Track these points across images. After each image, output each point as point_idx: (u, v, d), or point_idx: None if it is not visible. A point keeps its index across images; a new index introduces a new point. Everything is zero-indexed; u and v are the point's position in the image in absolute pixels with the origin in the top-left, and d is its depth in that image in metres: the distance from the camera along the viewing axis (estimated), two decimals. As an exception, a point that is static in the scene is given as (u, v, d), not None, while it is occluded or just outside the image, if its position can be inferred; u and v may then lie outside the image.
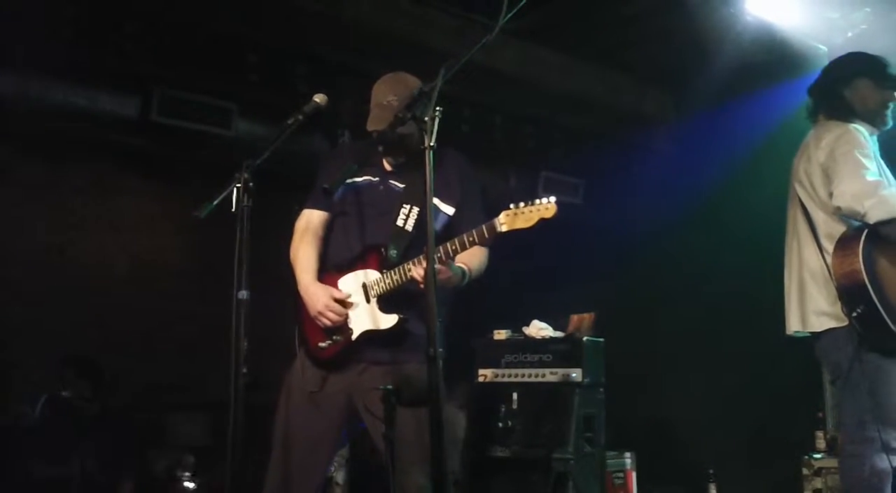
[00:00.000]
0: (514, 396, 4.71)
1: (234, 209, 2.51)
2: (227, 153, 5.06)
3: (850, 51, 3.66)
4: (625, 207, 6.70)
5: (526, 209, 2.57)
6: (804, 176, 3.31)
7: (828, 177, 3.18)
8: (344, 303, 2.89)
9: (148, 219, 6.02)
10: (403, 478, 2.75)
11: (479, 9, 4.94)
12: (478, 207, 2.99)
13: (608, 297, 5.90)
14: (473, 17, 5.08)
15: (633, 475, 5.15)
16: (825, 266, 3.19)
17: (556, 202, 2.55)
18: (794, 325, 3.35)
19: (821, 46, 5.12)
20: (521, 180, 6.43)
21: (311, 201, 3.10)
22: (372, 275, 2.88)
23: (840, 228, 3.18)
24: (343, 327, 2.90)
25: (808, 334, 3.32)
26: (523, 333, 4.96)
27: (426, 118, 2.29)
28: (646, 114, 6.47)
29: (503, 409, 4.68)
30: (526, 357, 4.78)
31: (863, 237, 3.07)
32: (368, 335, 2.87)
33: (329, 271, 3.00)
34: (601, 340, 4.85)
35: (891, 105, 3.35)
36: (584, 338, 4.77)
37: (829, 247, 3.18)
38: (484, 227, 2.65)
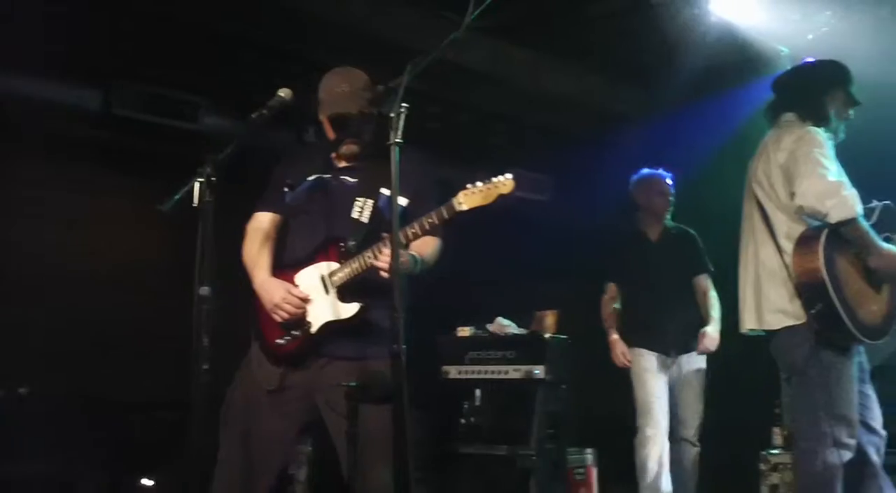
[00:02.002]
0: (478, 392, 4.72)
1: (195, 204, 2.49)
2: (194, 147, 5.00)
3: (829, 59, 3.59)
4: (593, 204, 6.73)
5: (484, 187, 2.63)
6: (763, 177, 3.34)
7: (788, 178, 3.22)
8: (301, 296, 2.87)
9: (114, 215, 5.91)
10: (367, 475, 2.74)
11: (450, 6, 4.92)
12: (433, 198, 2.96)
13: (573, 294, 5.93)
14: (444, 14, 5.06)
15: (594, 471, 5.18)
16: (784, 265, 3.22)
17: (513, 178, 2.58)
18: (748, 323, 3.38)
19: (783, 48, 5.19)
20: (489, 178, 6.42)
21: (262, 204, 3.11)
22: (330, 266, 2.87)
23: (800, 229, 3.21)
24: (301, 321, 2.87)
25: (763, 333, 3.35)
26: (487, 329, 4.97)
27: (391, 115, 2.30)
28: (615, 112, 6.51)
29: (466, 405, 4.69)
30: (489, 354, 4.79)
31: (823, 237, 3.10)
32: (330, 327, 2.85)
33: (285, 268, 2.99)
34: (565, 337, 4.87)
35: (847, 120, 3.43)
36: (548, 335, 4.79)
37: (789, 247, 3.20)
38: (443, 208, 2.67)
